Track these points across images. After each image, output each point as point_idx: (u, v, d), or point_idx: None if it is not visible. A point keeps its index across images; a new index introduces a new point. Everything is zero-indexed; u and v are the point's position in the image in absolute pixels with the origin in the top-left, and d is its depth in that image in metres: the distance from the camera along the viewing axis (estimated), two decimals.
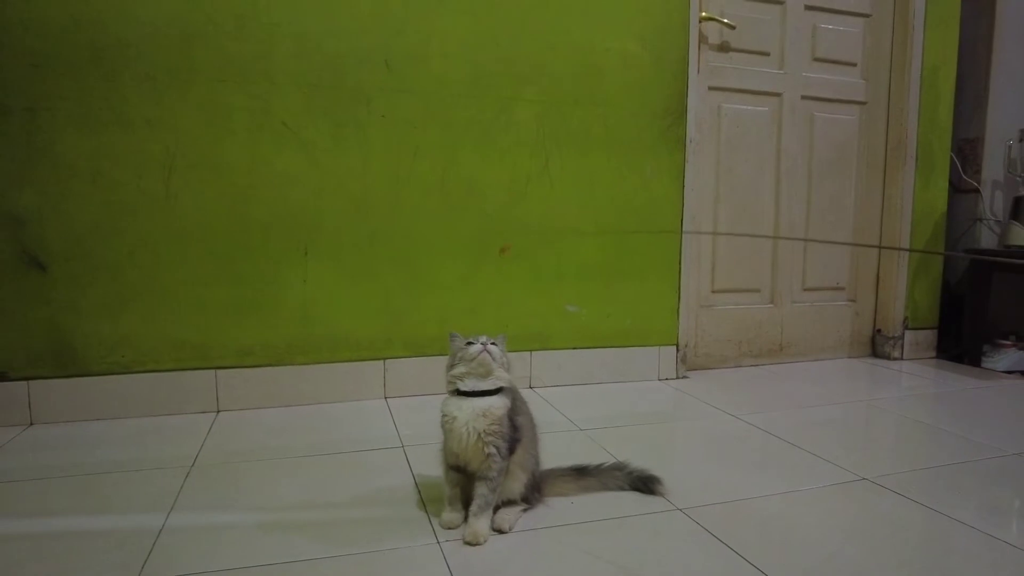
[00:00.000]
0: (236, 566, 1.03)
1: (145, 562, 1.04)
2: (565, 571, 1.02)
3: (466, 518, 1.16)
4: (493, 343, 1.17)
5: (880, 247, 2.55)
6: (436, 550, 1.08)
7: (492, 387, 1.15)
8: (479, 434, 1.11)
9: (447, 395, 1.18)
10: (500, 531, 1.14)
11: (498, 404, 1.14)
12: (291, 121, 1.83)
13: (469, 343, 1.17)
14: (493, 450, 1.12)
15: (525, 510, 1.21)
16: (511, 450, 1.15)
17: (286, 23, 1.80)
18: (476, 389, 1.15)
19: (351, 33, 1.85)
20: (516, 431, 1.16)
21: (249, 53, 1.78)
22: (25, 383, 1.69)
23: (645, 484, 1.30)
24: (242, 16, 1.77)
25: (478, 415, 1.12)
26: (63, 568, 1.02)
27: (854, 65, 2.48)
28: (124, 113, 1.72)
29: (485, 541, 1.10)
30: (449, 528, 1.15)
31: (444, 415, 1.16)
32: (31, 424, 1.70)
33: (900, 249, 2.49)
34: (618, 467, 1.33)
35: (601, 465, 1.33)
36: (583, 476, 1.31)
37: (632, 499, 1.28)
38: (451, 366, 1.18)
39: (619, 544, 1.11)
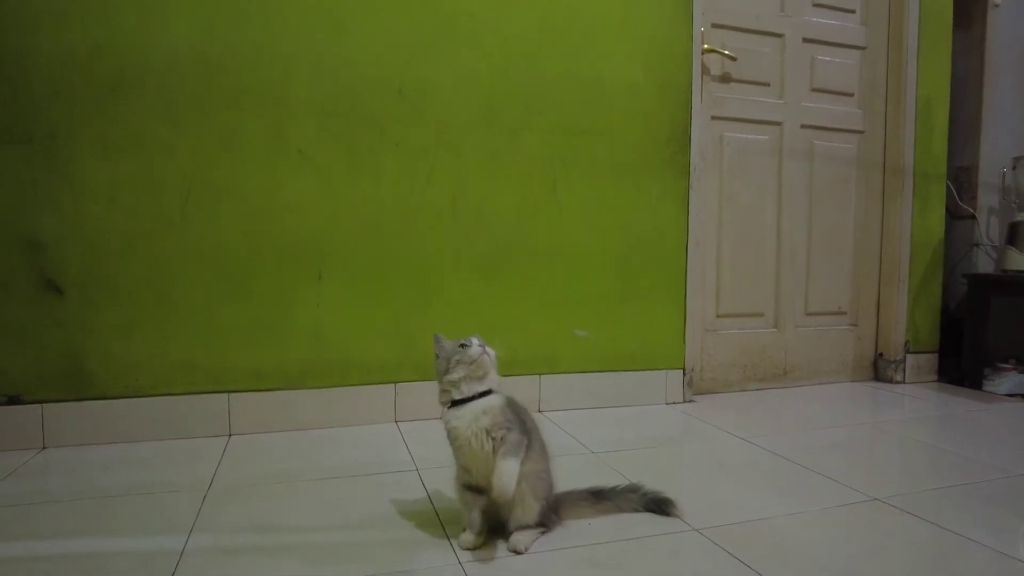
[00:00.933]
0: None
1: None
2: None
3: (484, 541, 1.17)
4: (483, 343, 1.19)
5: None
6: (458, 571, 1.09)
7: (484, 389, 1.17)
8: (485, 433, 1.12)
9: (443, 408, 1.19)
10: (516, 552, 1.15)
11: (494, 400, 1.16)
12: (306, 147, 1.87)
13: (463, 345, 1.18)
14: (503, 431, 1.12)
15: (543, 532, 1.21)
16: (528, 442, 1.15)
17: (302, 53, 1.85)
18: (470, 394, 1.16)
19: (366, 63, 1.90)
20: (523, 423, 1.17)
21: (266, 81, 1.83)
22: (39, 406, 1.70)
23: (660, 506, 1.31)
24: (260, 46, 1.83)
25: (478, 415, 1.13)
26: None
27: (851, 95, 2.55)
28: (143, 139, 1.75)
29: (512, 486, 1.08)
30: (467, 549, 1.16)
31: (447, 429, 1.17)
32: (44, 448, 1.70)
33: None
34: (632, 489, 1.34)
35: (616, 487, 1.34)
36: (600, 499, 1.32)
37: (648, 520, 1.29)
38: (445, 371, 1.18)
39: (638, 564, 1.12)
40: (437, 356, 1.22)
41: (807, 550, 1.17)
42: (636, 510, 1.32)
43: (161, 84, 1.76)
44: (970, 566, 1.13)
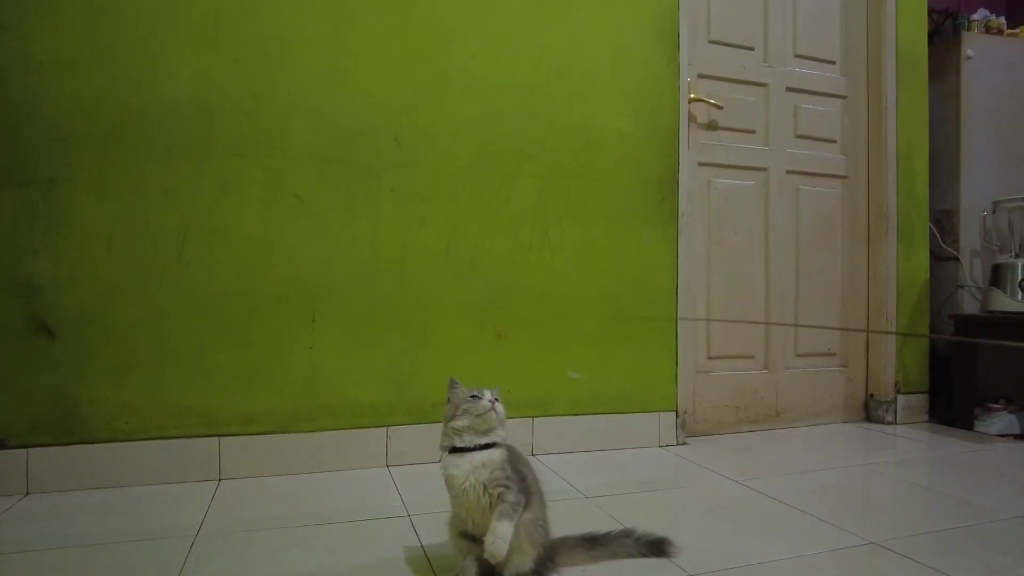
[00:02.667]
0: None
1: None
2: None
3: None
4: (496, 399, 1.19)
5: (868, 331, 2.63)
6: None
7: (488, 441, 1.16)
8: (483, 486, 1.11)
9: (443, 453, 1.19)
10: None
11: (495, 454, 1.15)
12: (303, 193, 1.90)
13: (475, 396, 1.18)
14: (502, 489, 1.11)
15: None
16: (526, 501, 1.14)
17: (301, 101, 1.90)
18: (471, 445, 1.15)
19: (363, 111, 1.95)
20: (523, 480, 1.16)
21: (265, 128, 1.87)
22: (24, 451, 1.67)
23: (657, 548, 1.30)
24: (259, 94, 1.87)
25: (477, 467, 1.13)
26: None
27: (834, 142, 2.63)
28: (142, 184, 1.78)
29: (505, 549, 1.06)
30: None
31: (444, 476, 1.16)
32: (27, 493, 1.67)
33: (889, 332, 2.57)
34: (627, 534, 1.33)
35: (610, 533, 1.33)
36: (594, 545, 1.30)
37: (644, 566, 1.28)
38: (451, 417, 1.18)
39: None
40: (448, 400, 1.22)
41: None
42: (632, 555, 1.30)
43: (160, 131, 1.79)
44: None
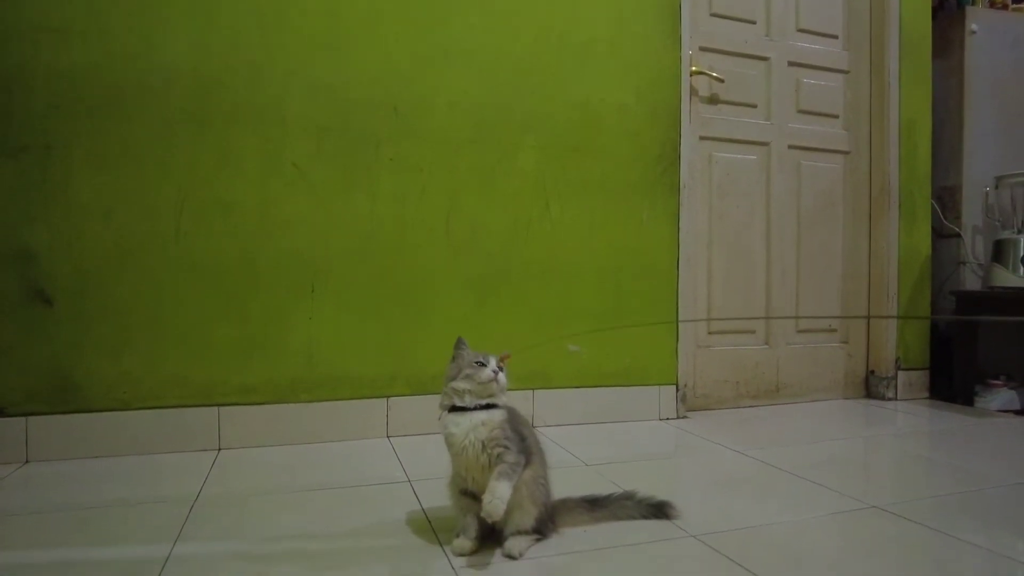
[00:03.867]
0: None
1: None
2: None
3: (478, 547, 1.15)
4: (501, 367, 1.18)
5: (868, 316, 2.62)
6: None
7: (487, 403, 1.16)
8: (482, 444, 1.11)
9: (442, 412, 1.18)
10: (511, 557, 1.13)
11: (495, 414, 1.15)
12: (302, 164, 1.88)
13: (480, 363, 1.17)
14: (501, 449, 1.11)
15: (538, 540, 1.19)
16: (526, 460, 1.14)
17: (299, 71, 1.88)
18: (473, 405, 1.15)
19: (362, 82, 1.93)
20: (523, 440, 1.16)
21: (263, 98, 1.86)
22: (23, 419, 1.67)
23: (659, 510, 1.30)
24: (257, 64, 1.85)
25: (477, 425, 1.13)
26: None
27: (836, 117, 2.61)
28: (139, 154, 1.76)
29: (503, 509, 1.05)
30: (460, 555, 1.14)
31: (444, 435, 1.15)
32: (27, 461, 1.66)
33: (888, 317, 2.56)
34: (628, 496, 1.33)
35: (612, 495, 1.33)
36: (595, 507, 1.30)
37: (644, 527, 1.27)
38: (453, 377, 1.18)
39: (635, 570, 1.10)
40: (453, 359, 1.22)
41: (808, 555, 1.16)
42: (633, 517, 1.30)
43: (157, 100, 1.77)
44: (968, 566, 1.12)
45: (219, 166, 1.82)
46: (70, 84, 1.71)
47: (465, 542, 1.15)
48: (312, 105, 1.89)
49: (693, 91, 2.33)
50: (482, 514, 1.07)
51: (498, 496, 1.06)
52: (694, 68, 2.31)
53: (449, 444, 1.15)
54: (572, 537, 1.22)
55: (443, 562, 1.11)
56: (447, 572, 1.08)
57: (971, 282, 2.69)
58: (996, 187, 2.63)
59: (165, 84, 1.78)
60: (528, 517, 1.16)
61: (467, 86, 2.03)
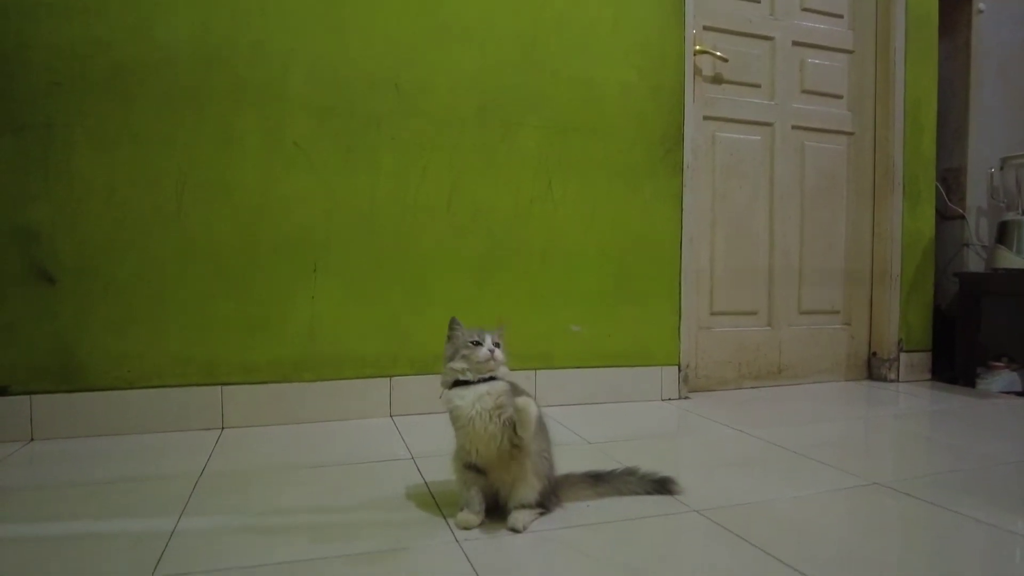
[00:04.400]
0: (252, 564, 1.01)
1: (159, 561, 1.02)
2: (586, 568, 1.02)
3: (483, 521, 1.15)
4: (497, 343, 1.18)
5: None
6: (455, 549, 1.07)
7: (489, 376, 1.17)
8: (488, 414, 1.11)
9: (444, 389, 1.18)
10: (515, 530, 1.13)
11: (497, 384, 1.16)
12: (303, 142, 1.87)
13: (475, 342, 1.16)
14: (511, 410, 1.12)
15: (542, 513, 1.20)
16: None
17: (300, 49, 1.87)
18: (474, 379, 1.16)
19: (363, 60, 1.92)
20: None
21: (263, 77, 1.84)
22: (27, 397, 1.67)
23: (661, 485, 1.30)
24: (258, 42, 1.84)
25: (482, 395, 1.13)
26: (79, 567, 1.00)
27: (840, 97, 2.59)
28: (139, 132, 1.75)
29: (535, 411, 1.10)
30: (465, 528, 1.14)
31: (449, 409, 1.16)
32: (32, 439, 1.67)
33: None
34: (631, 472, 1.33)
35: (615, 470, 1.33)
36: (599, 482, 1.31)
37: (647, 502, 1.28)
38: (451, 358, 1.18)
39: (638, 542, 1.10)
40: (448, 339, 1.21)
41: (809, 530, 1.16)
42: (636, 492, 1.31)
43: (157, 78, 1.76)
44: (968, 540, 1.12)
45: (220, 144, 1.81)
46: (70, 61, 1.69)
47: (470, 516, 1.15)
48: (313, 83, 1.88)
49: (697, 71, 2.31)
50: (519, 430, 1.10)
51: (528, 406, 1.09)
52: (698, 47, 2.29)
53: (455, 418, 1.15)
54: (575, 511, 1.23)
55: (447, 535, 1.12)
56: (451, 544, 1.09)
57: (975, 264, 2.68)
58: (1001, 168, 2.62)
59: (166, 61, 1.76)
60: (532, 491, 1.16)
61: (469, 65, 2.02)
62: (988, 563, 1.04)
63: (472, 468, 1.16)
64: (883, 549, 1.08)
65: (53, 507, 1.24)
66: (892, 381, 2.58)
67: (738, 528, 1.16)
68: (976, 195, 2.68)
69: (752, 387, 2.43)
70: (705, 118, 2.36)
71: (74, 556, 1.03)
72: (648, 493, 1.31)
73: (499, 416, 1.11)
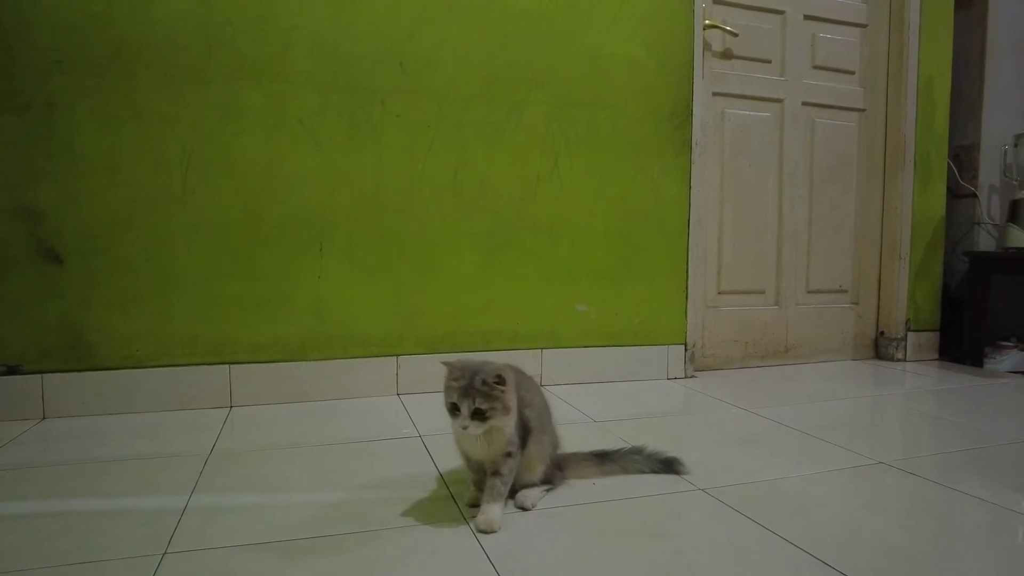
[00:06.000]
0: (264, 541, 1.03)
1: (171, 537, 1.04)
2: (593, 544, 1.03)
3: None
4: (480, 410, 1.01)
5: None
6: (463, 525, 1.08)
7: None
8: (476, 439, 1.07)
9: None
10: (523, 508, 1.14)
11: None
12: (307, 120, 1.86)
13: (455, 408, 1.03)
14: (507, 456, 1.09)
15: (548, 490, 1.21)
16: (523, 443, 1.13)
17: (303, 25, 1.84)
18: None
19: (367, 36, 1.89)
20: (525, 426, 1.14)
21: (266, 54, 1.82)
22: (39, 376, 1.69)
23: (667, 465, 1.31)
24: (260, 18, 1.81)
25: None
26: (93, 542, 1.02)
27: (852, 73, 2.54)
28: (142, 110, 1.74)
29: (499, 528, 1.06)
30: (473, 506, 1.15)
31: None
32: (44, 418, 1.69)
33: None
34: (637, 451, 1.34)
35: (620, 449, 1.34)
36: (605, 461, 1.32)
37: (652, 480, 1.29)
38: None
39: (643, 520, 1.11)
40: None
41: (815, 508, 1.17)
42: (642, 471, 1.32)
43: (159, 55, 1.74)
44: (972, 517, 1.12)
45: (223, 122, 1.80)
46: (71, 38, 1.68)
47: (478, 494, 1.16)
48: (316, 60, 1.86)
49: (706, 45, 2.27)
50: (476, 528, 1.06)
51: (491, 517, 1.06)
52: (707, 21, 2.25)
53: (457, 434, 1.12)
54: (580, 489, 1.24)
55: (455, 512, 1.13)
56: (459, 522, 1.10)
57: (985, 243, 2.65)
58: (1015, 145, 2.57)
59: (167, 38, 1.74)
60: (536, 474, 1.18)
61: (474, 40, 1.99)
62: (991, 541, 1.04)
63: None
64: (887, 528, 1.08)
65: (66, 484, 1.26)
66: (899, 361, 2.58)
67: (743, 506, 1.16)
68: (989, 173, 2.64)
69: (758, 366, 2.43)
70: (714, 94, 2.32)
71: (87, 533, 1.05)
72: (654, 472, 1.32)
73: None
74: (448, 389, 1.04)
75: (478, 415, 1.02)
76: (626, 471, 1.31)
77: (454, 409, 1.03)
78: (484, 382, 1.02)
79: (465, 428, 1.03)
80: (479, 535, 1.05)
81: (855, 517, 1.13)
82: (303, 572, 0.93)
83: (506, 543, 1.03)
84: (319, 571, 0.94)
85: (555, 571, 0.94)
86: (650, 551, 1.00)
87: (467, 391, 1.02)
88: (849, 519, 1.12)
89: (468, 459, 1.16)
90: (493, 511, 1.07)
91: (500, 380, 1.03)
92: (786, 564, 0.96)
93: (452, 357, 1.14)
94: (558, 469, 1.23)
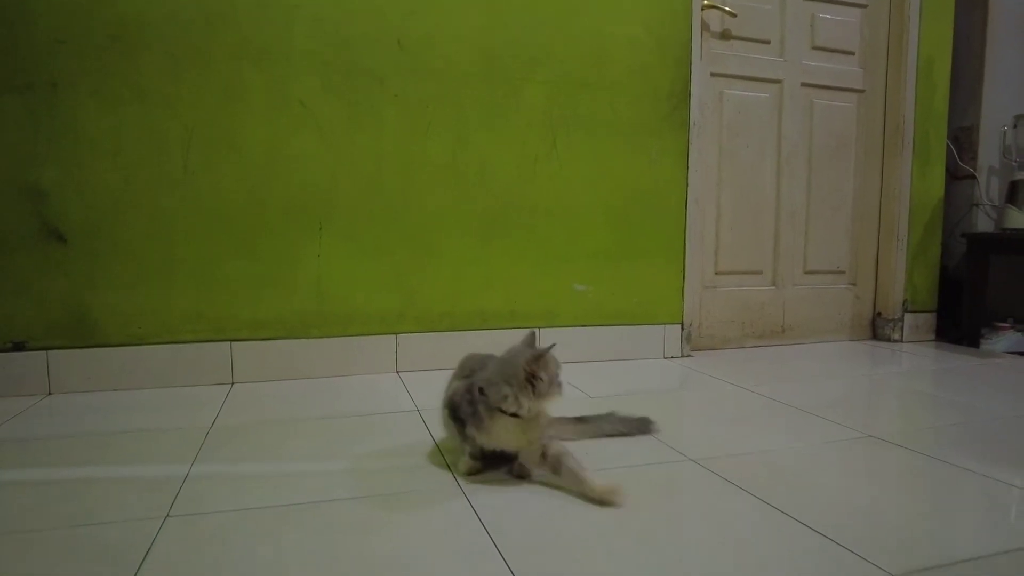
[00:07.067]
0: (263, 505, 1.06)
1: (173, 501, 1.07)
2: (579, 509, 1.06)
3: (483, 467, 1.19)
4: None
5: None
6: (456, 491, 1.11)
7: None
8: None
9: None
10: (521, 477, 1.17)
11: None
12: (307, 100, 1.87)
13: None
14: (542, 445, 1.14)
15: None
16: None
17: (304, 5, 1.85)
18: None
19: (366, 15, 1.90)
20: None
21: (267, 34, 1.83)
22: (44, 353, 1.72)
23: (639, 426, 1.39)
24: None
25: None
26: (98, 506, 1.05)
27: (852, 54, 2.54)
28: (144, 91, 1.76)
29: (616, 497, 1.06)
30: (468, 474, 1.18)
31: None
32: (50, 393, 1.72)
33: None
34: (611, 414, 1.42)
35: (597, 414, 1.42)
36: (581, 423, 1.39)
37: (642, 449, 1.32)
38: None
39: (634, 488, 1.14)
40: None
41: (803, 478, 1.19)
42: (618, 432, 1.38)
43: (160, 35, 1.76)
44: (962, 488, 1.15)
45: (225, 102, 1.82)
46: (74, 17, 1.69)
47: (471, 463, 1.19)
48: (316, 40, 1.87)
49: (705, 26, 2.27)
50: (602, 501, 1.07)
51: (605, 484, 1.07)
52: (706, 2, 2.25)
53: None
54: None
55: (448, 478, 1.16)
56: (453, 487, 1.13)
57: (984, 225, 2.66)
58: (1015, 126, 2.57)
59: (167, 18, 1.76)
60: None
61: (472, 19, 1.99)
62: (975, 508, 1.07)
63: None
64: (870, 495, 1.11)
65: (71, 454, 1.29)
66: (896, 341, 2.59)
67: (730, 475, 1.19)
68: (988, 154, 2.64)
69: (755, 346, 2.45)
70: (712, 75, 2.32)
71: (92, 498, 1.08)
72: (628, 433, 1.38)
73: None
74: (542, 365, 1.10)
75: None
76: (602, 432, 1.38)
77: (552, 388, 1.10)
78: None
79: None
80: (472, 500, 1.07)
81: (841, 486, 1.15)
82: (301, 533, 0.96)
83: (497, 505, 1.05)
84: (317, 531, 0.96)
85: (539, 529, 0.97)
86: (639, 517, 1.03)
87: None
88: (834, 487, 1.14)
89: (485, 453, 1.17)
90: (597, 480, 1.07)
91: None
92: (769, 526, 0.99)
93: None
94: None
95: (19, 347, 1.70)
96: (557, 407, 1.21)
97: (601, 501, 1.06)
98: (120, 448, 1.33)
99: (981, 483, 1.17)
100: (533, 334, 1.21)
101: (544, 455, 1.14)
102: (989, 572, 0.87)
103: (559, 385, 1.14)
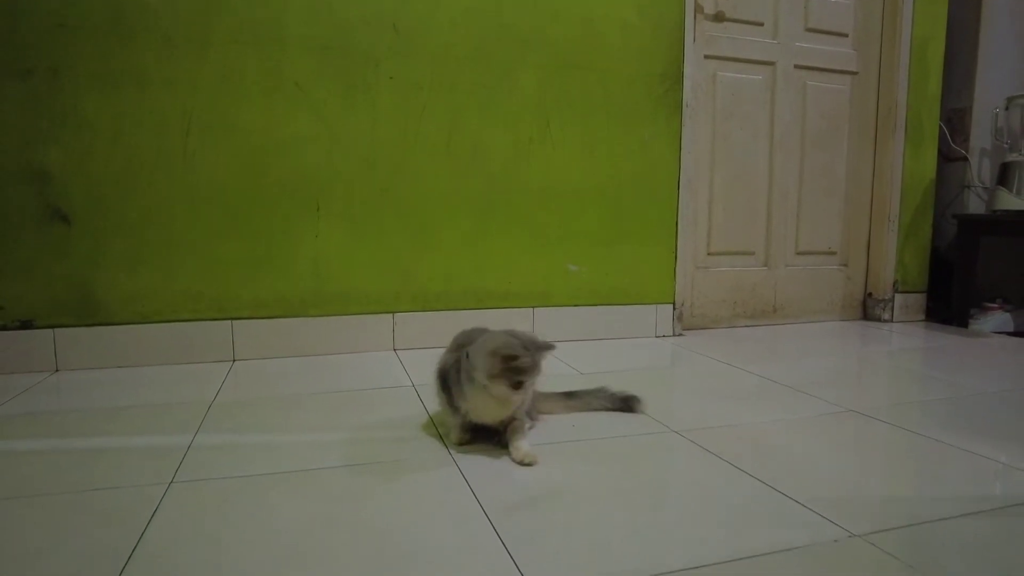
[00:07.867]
0: (263, 472, 1.11)
1: (178, 469, 1.12)
2: (564, 477, 1.11)
3: (474, 438, 1.24)
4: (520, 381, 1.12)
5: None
6: (447, 459, 1.16)
7: None
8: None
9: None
10: (523, 463, 1.21)
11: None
12: (303, 83, 1.90)
13: (518, 384, 1.12)
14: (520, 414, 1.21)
15: (531, 427, 1.29)
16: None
17: None
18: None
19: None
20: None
21: (263, 17, 1.86)
22: (51, 331, 1.77)
23: (626, 403, 1.43)
24: None
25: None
26: (105, 473, 1.10)
27: (845, 36, 2.55)
28: (143, 74, 1.79)
29: (535, 458, 1.15)
30: (458, 445, 1.23)
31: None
32: (56, 370, 1.77)
33: None
34: (600, 390, 1.46)
35: (586, 389, 1.46)
36: (570, 398, 1.44)
37: (629, 421, 1.36)
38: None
39: (617, 457, 1.19)
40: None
41: (784, 449, 1.24)
42: (605, 408, 1.43)
43: (158, 19, 1.78)
44: (942, 461, 1.19)
45: (222, 85, 1.84)
46: (73, 2, 1.72)
47: (462, 435, 1.24)
48: (311, 23, 1.89)
49: (698, 8, 2.28)
50: (521, 461, 1.15)
51: (529, 448, 1.17)
52: None
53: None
54: (559, 429, 1.32)
55: (440, 448, 1.21)
56: (444, 456, 1.18)
57: (975, 206, 2.68)
58: (1007, 108, 2.59)
59: (166, 2, 1.78)
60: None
61: (467, 3, 2.01)
62: (951, 478, 1.11)
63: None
64: (844, 465, 1.16)
65: (78, 426, 1.34)
66: (886, 321, 2.63)
67: (711, 446, 1.24)
68: (980, 136, 2.66)
69: (746, 326, 2.50)
70: (706, 57, 2.34)
71: (100, 466, 1.13)
72: (615, 409, 1.43)
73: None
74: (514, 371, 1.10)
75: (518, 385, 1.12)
76: (590, 407, 1.43)
77: (517, 385, 1.11)
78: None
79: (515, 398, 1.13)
80: (463, 469, 1.12)
81: (823, 458, 1.20)
82: (300, 499, 1.01)
83: (488, 474, 1.10)
84: (316, 497, 1.02)
85: (524, 494, 1.02)
86: (621, 483, 1.08)
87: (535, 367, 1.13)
88: (816, 460, 1.19)
89: (475, 425, 1.22)
90: (527, 444, 1.18)
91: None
92: (746, 492, 1.04)
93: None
94: (533, 408, 1.32)
95: (26, 325, 1.75)
96: (548, 383, 1.25)
97: (520, 462, 1.14)
98: (126, 420, 1.38)
99: (961, 458, 1.21)
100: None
101: (506, 424, 1.20)
102: (949, 532, 0.91)
103: (532, 384, 1.17)
